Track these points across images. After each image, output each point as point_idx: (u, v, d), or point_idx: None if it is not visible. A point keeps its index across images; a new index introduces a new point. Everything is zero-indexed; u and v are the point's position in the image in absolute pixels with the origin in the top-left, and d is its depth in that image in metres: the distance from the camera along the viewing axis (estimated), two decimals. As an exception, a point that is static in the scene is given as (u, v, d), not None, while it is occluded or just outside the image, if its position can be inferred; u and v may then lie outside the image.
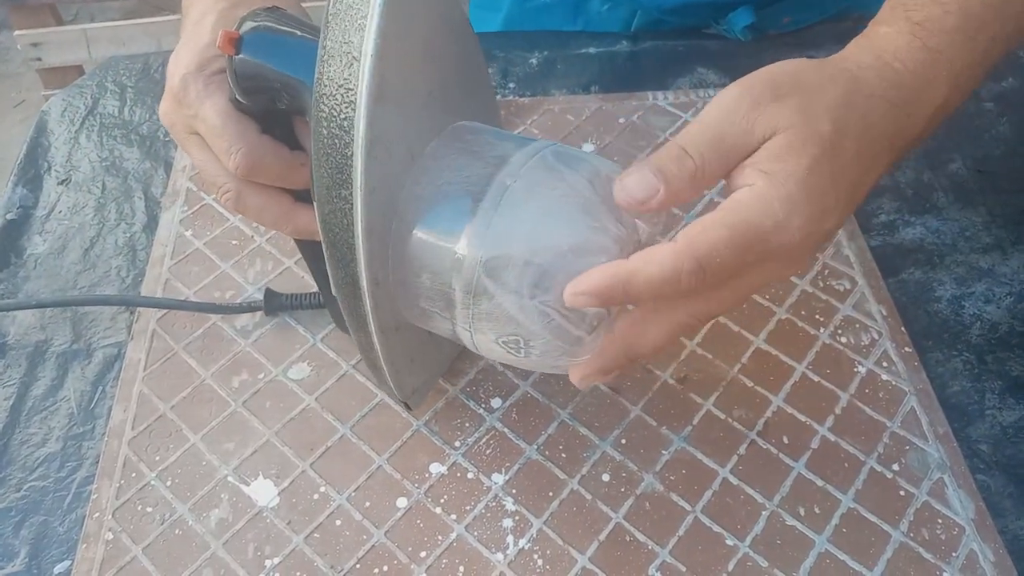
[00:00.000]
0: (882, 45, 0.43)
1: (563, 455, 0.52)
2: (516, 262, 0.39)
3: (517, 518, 0.50)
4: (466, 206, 0.40)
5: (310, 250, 0.54)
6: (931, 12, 0.43)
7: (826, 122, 0.39)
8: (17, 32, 1.42)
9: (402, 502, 0.50)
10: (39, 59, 1.44)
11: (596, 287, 0.37)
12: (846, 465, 0.51)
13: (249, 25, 0.44)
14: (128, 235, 0.66)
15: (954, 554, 0.48)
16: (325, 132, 0.38)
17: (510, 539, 0.49)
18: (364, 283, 0.40)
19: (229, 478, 0.52)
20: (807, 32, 0.80)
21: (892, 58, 0.42)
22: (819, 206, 0.38)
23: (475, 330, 0.42)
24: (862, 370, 0.56)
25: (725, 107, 0.39)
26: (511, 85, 0.77)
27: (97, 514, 0.50)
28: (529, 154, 0.41)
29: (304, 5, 0.52)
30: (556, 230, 0.39)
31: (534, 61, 0.79)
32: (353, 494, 0.51)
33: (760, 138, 0.39)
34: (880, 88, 0.41)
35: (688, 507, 0.50)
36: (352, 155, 0.38)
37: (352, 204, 0.38)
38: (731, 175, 0.39)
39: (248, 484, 0.51)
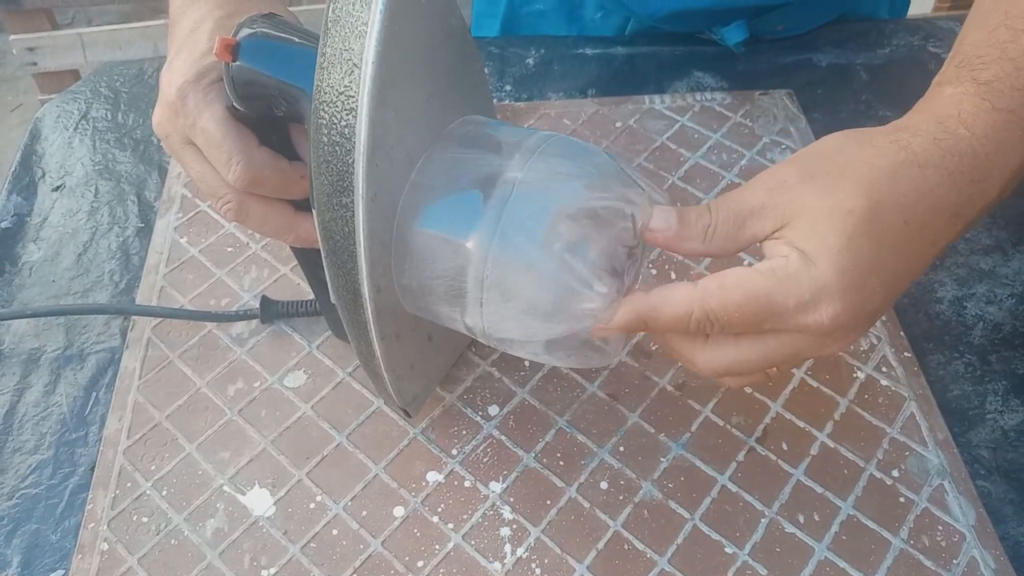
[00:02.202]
0: (945, 109, 0.40)
1: (561, 463, 0.52)
2: (534, 230, 0.39)
3: (515, 527, 0.49)
4: (474, 212, 0.40)
5: (307, 257, 0.53)
6: (1000, 70, 0.41)
7: (856, 198, 0.37)
8: (12, 36, 1.42)
9: (399, 511, 0.50)
10: (35, 63, 1.43)
11: (621, 324, 0.40)
12: (845, 472, 0.51)
13: (246, 32, 0.43)
14: (121, 239, 0.66)
15: (955, 561, 0.48)
16: (325, 139, 0.38)
17: (508, 548, 0.49)
18: (366, 290, 0.40)
19: (225, 487, 0.51)
20: (804, 35, 0.80)
21: (956, 123, 0.39)
22: (858, 289, 0.37)
23: (487, 325, 0.42)
24: (861, 376, 0.55)
25: (756, 183, 0.40)
26: (507, 87, 0.76)
27: (92, 524, 0.50)
28: (531, 149, 0.41)
29: (295, 10, 0.52)
30: (569, 201, 0.39)
31: (531, 61, 0.79)
32: (349, 503, 0.51)
33: (779, 219, 0.39)
34: (936, 157, 0.39)
35: (687, 515, 0.50)
36: (353, 162, 0.37)
37: (354, 212, 0.38)
38: (765, 246, 0.39)
39: (244, 493, 0.51)
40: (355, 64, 0.37)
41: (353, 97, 0.37)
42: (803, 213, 0.38)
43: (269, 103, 0.44)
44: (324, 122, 0.38)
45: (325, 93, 0.38)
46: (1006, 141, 0.39)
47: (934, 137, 0.39)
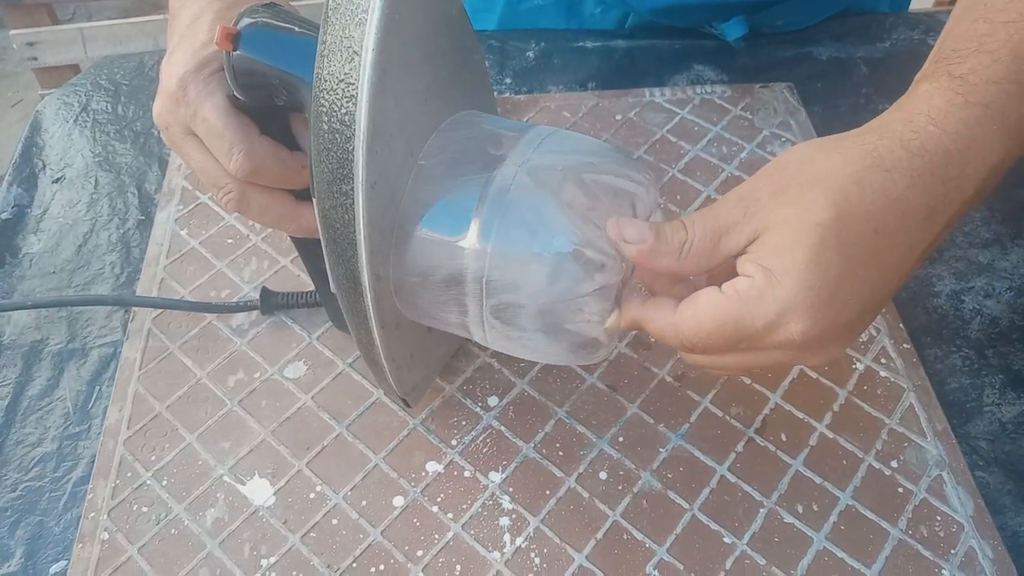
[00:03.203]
0: (917, 106, 0.39)
1: (560, 453, 0.52)
2: (551, 175, 0.40)
3: (514, 516, 0.50)
4: (468, 215, 0.40)
5: (307, 248, 0.54)
6: (977, 63, 0.39)
7: (824, 209, 0.37)
8: (13, 31, 1.42)
9: (398, 501, 0.50)
10: (35, 58, 1.43)
11: (623, 328, 0.42)
12: (844, 462, 0.51)
13: (247, 21, 0.44)
14: (122, 231, 0.66)
15: (953, 551, 0.48)
16: (325, 127, 0.38)
17: (507, 538, 0.49)
18: (365, 278, 0.40)
19: (225, 477, 0.52)
20: (804, 28, 0.80)
21: (926, 121, 0.38)
22: (828, 304, 0.37)
23: (488, 328, 0.42)
24: (860, 367, 0.56)
25: (730, 198, 0.40)
26: (507, 80, 0.76)
27: (93, 514, 0.50)
28: (528, 146, 0.41)
29: (296, 4, 0.52)
30: (560, 228, 0.39)
31: (531, 55, 0.79)
32: (349, 493, 0.51)
33: (752, 234, 0.39)
34: (904, 159, 0.37)
35: (686, 505, 0.50)
36: (353, 149, 0.38)
37: (353, 199, 0.38)
38: (737, 262, 0.39)
39: (244, 483, 0.51)
40: (355, 52, 0.37)
41: (353, 84, 0.37)
42: (772, 228, 0.38)
43: (270, 92, 0.44)
44: (324, 110, 0.38)
45: (325, 81, 0.38)
46: (980, 137, 0.38)
47: (900, 138, 0.38)
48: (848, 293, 0.38)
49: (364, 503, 0.50)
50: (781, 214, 0.38)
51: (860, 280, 0.38)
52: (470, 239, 0.40)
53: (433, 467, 0.52)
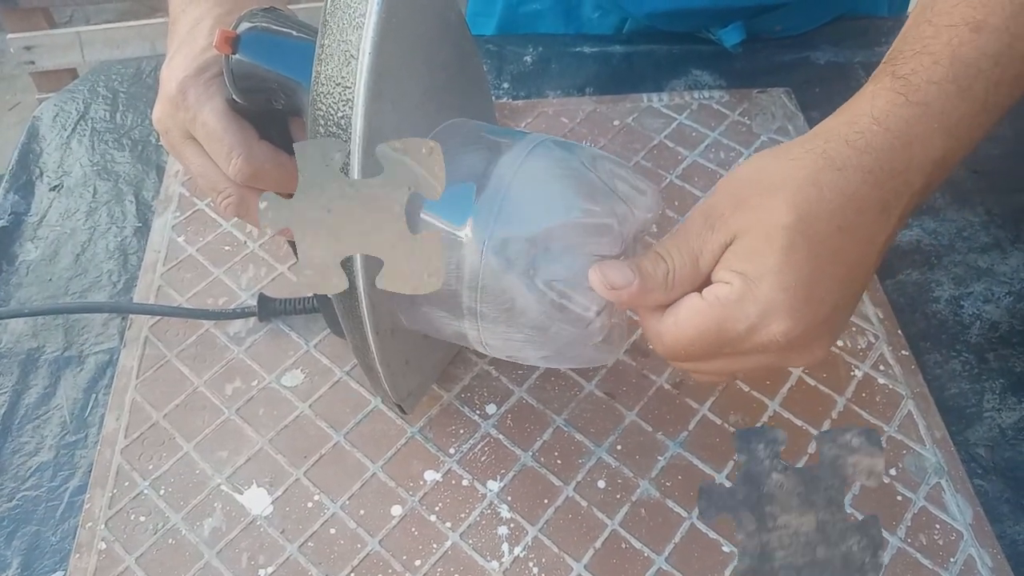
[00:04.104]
0: (861, 108, 0.41)
1: (558, 462, 0.52)
2: (521, 247, 0.39)
3: (512, 526, 0.49)
4: (468, 200, 0.40)
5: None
6: (918, 64, 0.41)
7: (787, 213, 0.38)
8: (10, 35, 1.42)
9: (396, 510, 0.50)
10: (32, 62, 1.43)
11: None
12: (843, 470, 0.51)
13: (246, 25, 0.44)
14: (119, 239, 0.66)
15: (952, 559, 0.48)
16: (322, 131, 0.38)
17: (505, 547, 0.49)
18: (360, 283, 0.40)
19: (222, 487, 0.51)
20: (802, 33, 0.80)
21: (869, 121, 0.40)
22: (805, 302, 0.38)
23: (482, 327, 0.42)
24: (859, 374, 0.55)
25: (695, 219, 0.40)
26: (505, 85, 0.76)
27: (90, 524, 0.50)
28: (527, 146, 0.41)
29: (294, 8, 0.52)
30: (557, 218, 0.40)
31: (529, 59, 0.79)
32: (347, 502, 0.50)
33: (723, 246, 0.39)
34: (853, 158, 0.39)
35: (684, 513, 0.50)
36: (349, 153, 0.37)
37: None
38: (712, 273, 0.40)
39: (241, 493, 0.51)
40: (352, 55, 0.37)
41: (350, 88, 0.37)
42: (740, 236, 0.39)
43: (268, 96, 0.44)
44: (321, 113, 0.38)
45: (322, 84, 0.38)
46: (921, 135, 0.40)
47: (846, 139, 0.40)
48: (822, 291, 0.38)
49: (362, 512, 0.50)
50: (746, 223, 0.39)
51: (830, 277, 0.39)
52: (458, 311, 0.41)
53: (431, 476, 0.52)
